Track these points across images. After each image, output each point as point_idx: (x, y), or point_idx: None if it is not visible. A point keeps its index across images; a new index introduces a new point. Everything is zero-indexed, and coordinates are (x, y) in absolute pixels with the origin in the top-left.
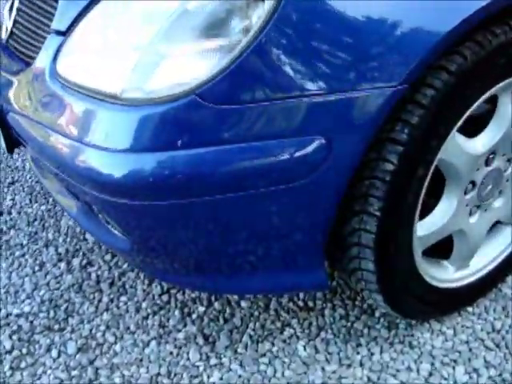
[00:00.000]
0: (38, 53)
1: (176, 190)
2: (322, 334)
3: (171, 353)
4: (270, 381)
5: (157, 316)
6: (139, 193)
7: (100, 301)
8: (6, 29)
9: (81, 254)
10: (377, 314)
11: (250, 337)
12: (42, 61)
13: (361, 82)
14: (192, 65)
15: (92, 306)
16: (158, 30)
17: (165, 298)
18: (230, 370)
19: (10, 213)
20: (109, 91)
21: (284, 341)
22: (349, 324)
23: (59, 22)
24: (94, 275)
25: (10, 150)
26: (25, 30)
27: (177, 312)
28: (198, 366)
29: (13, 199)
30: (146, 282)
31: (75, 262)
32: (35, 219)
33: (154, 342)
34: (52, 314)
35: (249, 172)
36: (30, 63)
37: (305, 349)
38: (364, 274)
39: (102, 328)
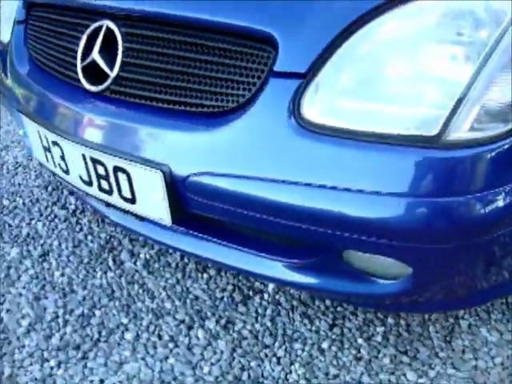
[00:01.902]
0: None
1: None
2: None
3: None
4: None
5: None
6: (455, 236)
7: None
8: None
9: None
10: None
11: None
12: (262, 111)
13: None
14: None
15: None
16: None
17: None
18: None
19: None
20: (420, 134)
21: None
22: None
23: (291, 63)
24: None
25: (177, 220)
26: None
27: None
28: None
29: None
30: None
31: None
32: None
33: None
34: None
35: None
36: (191, 112)
37: None
38: None
39: None
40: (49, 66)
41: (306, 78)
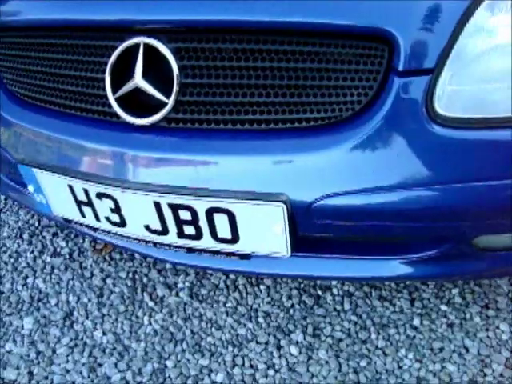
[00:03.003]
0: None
1: None
2: None
3: None
4: None
5: None
6: None
7: None
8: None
9: None
10: None
11: None
12: (392, 114)
13: None
14: None
15: None
16: None
17: None
18: None
19: None
20: None
21: None
22: None
23: (416, 60)
24: None
25: (296, 250)
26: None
27: None
28: None
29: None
30: None
31: None
32: None
33: None
34: None
35: None
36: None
37: None
38: None
39: None
40: (56, 103)
41: (433, 73)
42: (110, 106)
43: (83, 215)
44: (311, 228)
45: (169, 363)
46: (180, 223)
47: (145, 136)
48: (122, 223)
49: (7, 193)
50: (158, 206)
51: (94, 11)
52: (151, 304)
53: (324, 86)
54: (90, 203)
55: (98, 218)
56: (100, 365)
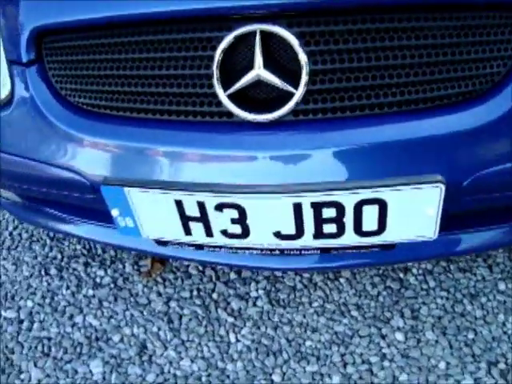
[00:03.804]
0: None
1: None
2: None
3: None
4: None
5: None
6: None
7: None
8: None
9: None
10: None
11: None
12: None
13: None
14: None
15: None
16: None
17: None
18: None
19: None
20: None
21: None
22: None
23: None
24: None
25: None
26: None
27: None
28: None
29: None
30: None
31: None
32: None
33: None
34: None
35: None
36: None
37: None
38: None
39: None
40: (144, 109)
41: None
42: (219, 104)
43: (188, 233)
44: (461, 205)
45: (275, 378)
46: (320, 222)
47: (269, 133)
48: (245, 234)
49: (48, 226)
50: (297, 207)
51: (190, 0)
52: (231, 320)
53: (464, 60)
54: (203, 218)
55: (209, 234)
56: None
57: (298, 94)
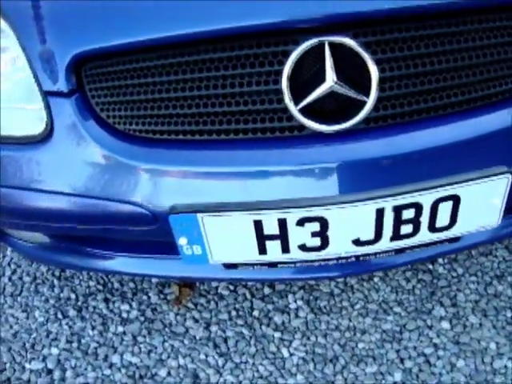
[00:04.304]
0: None
1: None
2: None
3: None
4: None
5: None
6: None
7: None
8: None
9: None
10: None
11: None
12: None
13: None
14: None
15: None
16: None
17: None
18: None
19: None
20: None
21: None
22: None
23: None
24: None
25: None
26: None
27: None
28: None
29: None
30: None
31: None
32: None
33: None
34: None
35: None
36: None
37: None
38: None
39: None
40: (206, 131)
41: None
42: (290, 118)
43: (263, 252)
44: None
45: None
46: (399, 225)
47: (341, 143)
48: (323, 245)
49: (85, 266)
50: (380, 212)
51: (254, 15)
52: (278, 334)
53: None
54: (281, 235)
55: (286, 250)
56: None
57: (370, 101)
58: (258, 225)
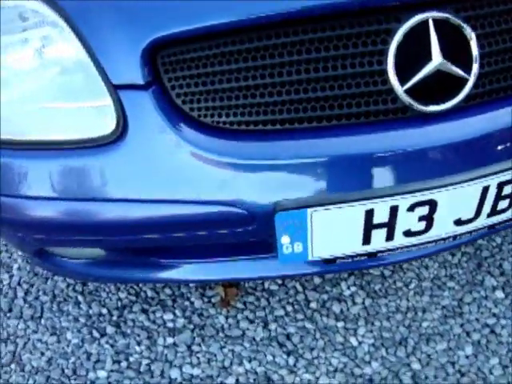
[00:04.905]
0: None
1: None
2: None
3: None
4: None
5: None
6: None
7: None
8: None
9: None
10: None
11: None
12: None
13: None
14: None
15: None
16: None
17: None
18: None
19: None
20: None
21: None
22: None
23: None
24: None
25: None
26: None
27: None
28: None
29: None
30: None
31: None
32: None
33: None
34: None
35: None
36: None
37: None
38: None
39: None
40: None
41: None
42: (394, 100)
43: (366, 242)
44: None
45: (415, 366)
46: (497, 201)
47: (443, 122)
48: (427, 228)
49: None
50: (485, 190)
51: None
52: (341, 324)
53: None
54: (390, 222)
55: (390, 237)
56: None
57: (472, 79)
58: (369, 214)
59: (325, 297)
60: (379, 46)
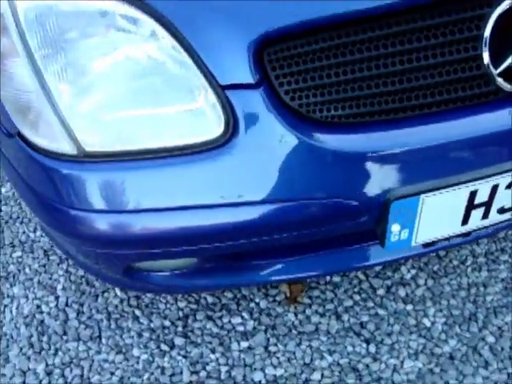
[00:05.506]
0: None
1: None
2: None
3: None
4: None
5: None
6: None
7: None
8: None
9: None
10: None
11: None
12: None
13: None
14: None
15: None
16: None
17: None
18: None
19: None
20: None
21: None
22: None
23: None
24: None
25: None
26: None
27: None
28: None
29: None
30: None
31: None
32: None
33: None
34: None
35: None
36: None
37: None
38: None
39: None
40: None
41: None
42: (488, 83)
43: (465, 222)
44: None
45: (490, 339)
46: None
47: None
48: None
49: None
50: None
51: None
52: (409, 307)
53: None
54: (489, 201)
55: (486, 215)
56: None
57: None
58: (472, 195)
59: (388, 282)
60: (474, 31)
